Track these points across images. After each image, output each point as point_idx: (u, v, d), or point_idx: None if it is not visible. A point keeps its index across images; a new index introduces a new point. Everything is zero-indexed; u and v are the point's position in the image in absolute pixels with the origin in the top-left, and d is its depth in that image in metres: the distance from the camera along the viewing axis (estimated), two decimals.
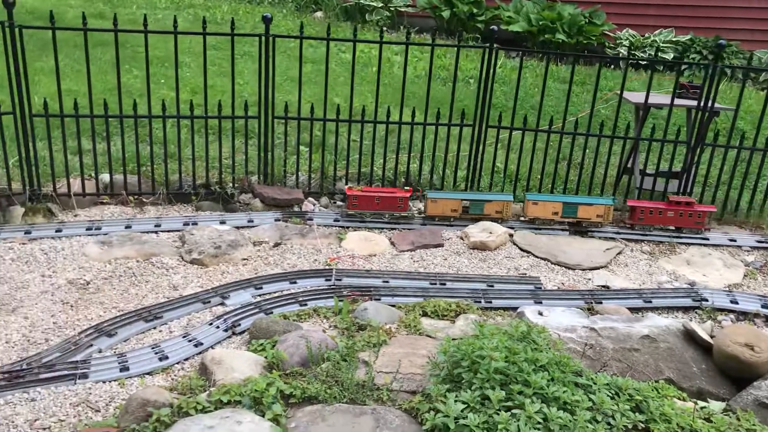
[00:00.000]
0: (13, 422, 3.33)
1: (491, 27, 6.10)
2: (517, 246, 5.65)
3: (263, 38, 5.76)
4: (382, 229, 5.88)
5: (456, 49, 6.26)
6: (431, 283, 4.89)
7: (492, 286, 4.90)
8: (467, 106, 7.20)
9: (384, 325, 4.16)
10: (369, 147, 6.51)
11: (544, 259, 5.47)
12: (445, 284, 4.89)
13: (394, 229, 5.88)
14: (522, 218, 6.08)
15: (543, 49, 10.33)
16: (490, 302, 4.67)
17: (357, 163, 6.39)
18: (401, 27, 13.25)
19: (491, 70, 6.04)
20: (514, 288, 4.90)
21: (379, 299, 4.55)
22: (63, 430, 3.28)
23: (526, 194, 6.16)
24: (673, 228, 6.05)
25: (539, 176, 6.58)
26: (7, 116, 5.48)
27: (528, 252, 5.56)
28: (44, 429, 3.30)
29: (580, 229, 5.94)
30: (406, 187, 6.25)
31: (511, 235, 5.75)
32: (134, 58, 9.94)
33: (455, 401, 3.08)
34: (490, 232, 5.64)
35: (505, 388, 3.17)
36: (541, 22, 12.80)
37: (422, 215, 6.09)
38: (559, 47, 12.34)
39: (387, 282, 4.87)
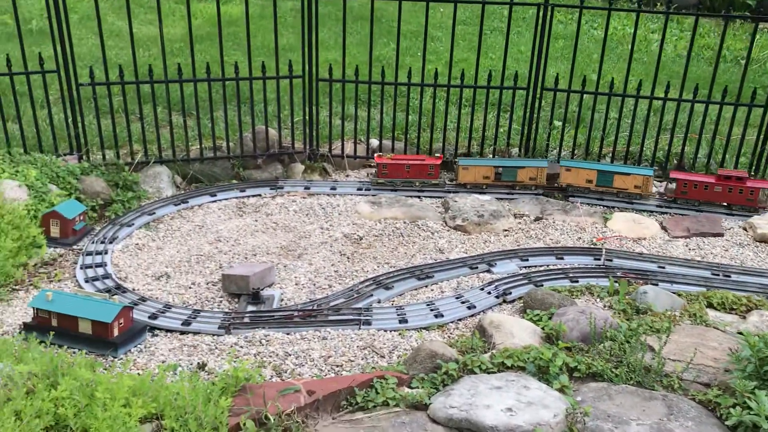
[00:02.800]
0: (309, 356, 3.62)
1: None
2: None
3: (542, 7, 5.64)
4: (652, 212, 5.54)
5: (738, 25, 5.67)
6: (713, 274, 4.50)
7: None
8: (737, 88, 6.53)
9: (666, 312, 3.91)
10: (627, 126, 6.14)
11: None
12: (729, 276, 4.48)
13: (666, 213, 5.51)
14: (556, 185, 5.84)
15: None
16: None
17: (626, 141, 6.08)
18: (657, 4, 12.35)
19: None
20: None
21: (657, 284, 4.28)
22: (353, 370, 3.50)
23: (560, 161, 5.89)
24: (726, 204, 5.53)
25: None
26: (296, 79, 5.95)
27: None
28: (337, 366, 3.54)
29: None
30: (437, 154, 6.01)
31: None
32: (389, 32, 10.34)
33: None
34: None
35: None
36: None
37: (453, 183, 5.91)
38: None
39: (663, 268, 4.57)
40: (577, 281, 4.34)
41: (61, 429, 2.56)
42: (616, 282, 4.21)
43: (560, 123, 6.35)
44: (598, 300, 4.16)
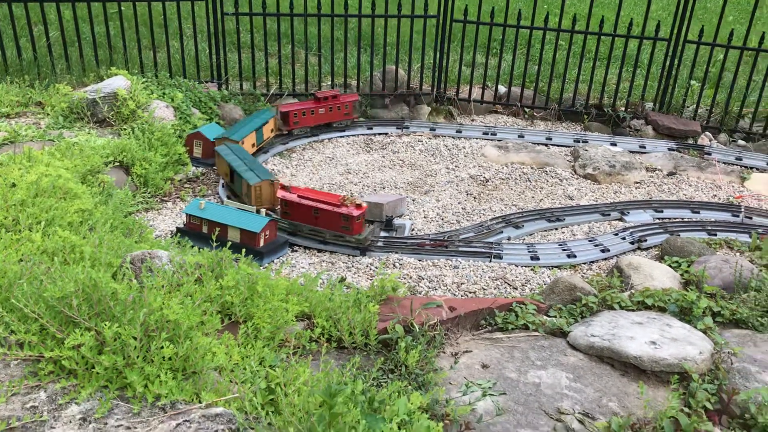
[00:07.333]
0: (442, 281, 3.70)
1: None
2: None
3: None
4: None
5: None
6: None
7: None
8: None
9: None
10: None
11: None
12: None
13: None
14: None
15: None
16: None
17: None
18: None
19: None
20: None
21: None
22: (485, 297, 3.56)
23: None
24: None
25: None
26: (430, 20, 5.95)
27: None
28: (469, 293, 3.61)
29: None
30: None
31: None
32: None
33: None
34: None
35: None
36: None
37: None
38: None
39: None
40: (715, 234, 4.22)
41: (225, 314, 2.75)
42: (758, 238, 4.06)
43: (697, 82, 6.09)
44: (738, 254, 4.02)
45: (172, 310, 2.33)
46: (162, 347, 2.23)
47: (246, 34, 6.01)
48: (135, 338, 2.23)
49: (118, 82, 4.99)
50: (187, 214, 3.93)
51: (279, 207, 4.16)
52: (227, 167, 4.50)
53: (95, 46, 5.65)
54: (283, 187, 4.11)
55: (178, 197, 4.61)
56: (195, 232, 3.89)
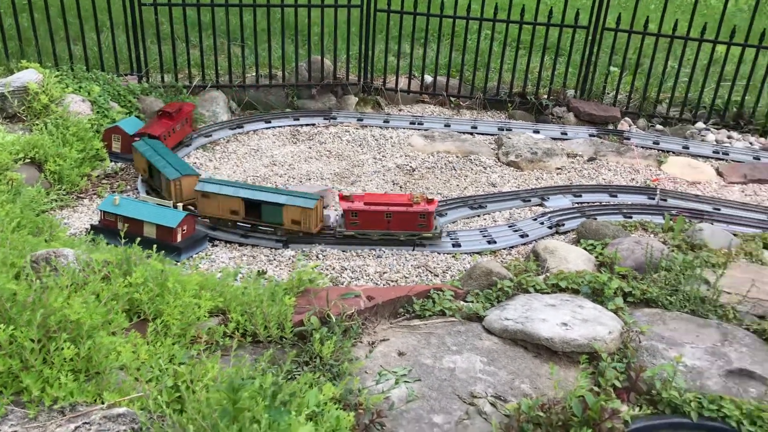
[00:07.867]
0: (365, 271, 3.70)
1: None
2: None
3: None
4: (708, 158, 5.46)
5: None
6: None
7: None
8: None
9: (721, 249, 3.89)
10: (686, 74, 5.99)
11: None
12: None
13: (722, 159, 5.43)
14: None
15: None
16: None
17: (684, 88, 5.95)
18: None
19: None
20: None
21: (712, 224, 4.25)
22: (406, 285, 3.57)
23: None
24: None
25: None
26: (354, 9, 5.91)
27: None
28: (391, 281, 3.63)
29: None
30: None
31: None
32: None
33: None
34: None
35: None
36: None
37: None
38: None
39: (718, 209, 4.53)
40: (631, 217, 4.34)
41: (135, 313, 2.68)
42: (671, 219, 4.19)
43: (617, 69, 6.24)
44: (652, 236, 4.15)
45: (73, 310, 2.26)
46: (63, 348, 2.16)
47: (166, 25, 5.86)
48: (33, 340, 2.15)
49: (29, 76, 4.80)
50: (101, 210, 3.82)
51: (345, 219, 3.96)
52: (239, 202, 3.97)
53: (4, 39, 5.42)
54: (344, 198, 3.95)
55: (95, 194, 4.47)
56: (110, 229, 3.78)
